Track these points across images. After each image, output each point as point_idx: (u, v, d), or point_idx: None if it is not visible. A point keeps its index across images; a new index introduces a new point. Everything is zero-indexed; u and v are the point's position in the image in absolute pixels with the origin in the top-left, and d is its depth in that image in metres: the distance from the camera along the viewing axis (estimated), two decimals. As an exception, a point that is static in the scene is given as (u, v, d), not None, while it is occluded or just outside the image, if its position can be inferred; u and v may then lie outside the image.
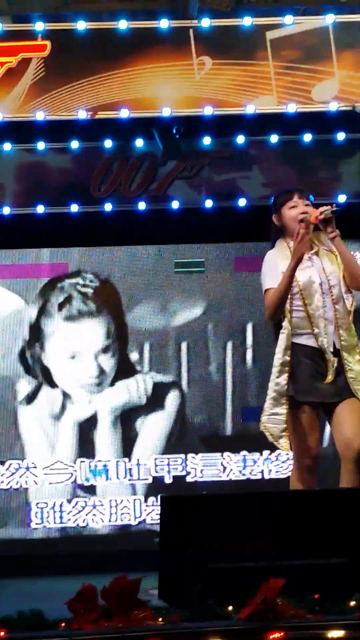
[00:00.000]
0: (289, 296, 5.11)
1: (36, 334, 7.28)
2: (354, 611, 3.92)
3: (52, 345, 7.28)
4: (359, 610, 3.92)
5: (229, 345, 7.42)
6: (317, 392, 5.09)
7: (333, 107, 6.45)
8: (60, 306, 7.28)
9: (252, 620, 3.81)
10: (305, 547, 4.29)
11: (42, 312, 7.31)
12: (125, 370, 7.33)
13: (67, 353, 7.27)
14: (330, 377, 5.07)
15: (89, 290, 7.32)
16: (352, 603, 3.97)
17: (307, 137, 7.10)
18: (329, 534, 4.32)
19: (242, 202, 7.31)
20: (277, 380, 5.09)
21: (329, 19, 6.44)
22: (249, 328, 7.43)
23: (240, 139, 7.12)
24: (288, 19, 6.41)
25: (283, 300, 5.10)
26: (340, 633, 3.75)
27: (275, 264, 5.19)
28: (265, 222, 7.24)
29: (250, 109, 6.43)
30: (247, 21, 6.40)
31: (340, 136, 7.12)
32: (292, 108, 6.42)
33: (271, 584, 3.87)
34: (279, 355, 5.12)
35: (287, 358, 5.09)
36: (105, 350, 7.31)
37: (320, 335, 5.08)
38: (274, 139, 7.12)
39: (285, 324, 5.12)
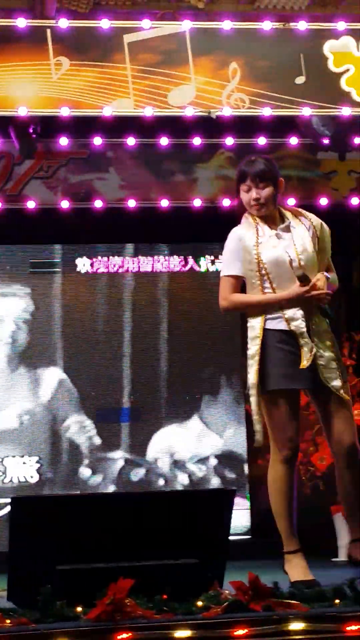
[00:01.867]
0: (258, 279, 4.75)
1: None
2: (201, 611, 3.97)
3: None
4: (205, 610, 3.98)
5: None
6: (294, 379, 4.71)
7: (189, 112, 6.51)
8: None
9: (101, 621, 3.82)
10: (154, 548, 4.32)
11: None
12: None
13: None
14: (305, 363, 4.68)
15: None
16: (199, 603, 4.02)
17: (164, 141, 7.16)
18: (178, 535, 4.37)
19: (98, 203, 7.32)
20: (251, 375, 4.71)
21: (186, 24, 6.49)
22: (99, 327, 7.45)
23: (97, 141, 7.13)
24: (145, 22, 6.43)
25: (245, 312, 4.76)
26: (187, 633, 3.79)
27: (236, 247, 4.79)
28: (120, 223, 7.35)
29: (107, 111, 6.43)
30: (104, 23, 6.40)
31: (196, 141, 7.20)
32: (148, 112, 6.45)
33: (120, 585, 3.90)
34: (249, 346, 4.74)
35: (256, 348, 4.70)
36: None
37: (292, 319, 4.71)
38: (130, 141, 7.16)
39: None
